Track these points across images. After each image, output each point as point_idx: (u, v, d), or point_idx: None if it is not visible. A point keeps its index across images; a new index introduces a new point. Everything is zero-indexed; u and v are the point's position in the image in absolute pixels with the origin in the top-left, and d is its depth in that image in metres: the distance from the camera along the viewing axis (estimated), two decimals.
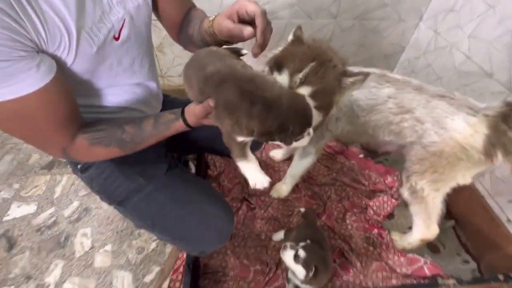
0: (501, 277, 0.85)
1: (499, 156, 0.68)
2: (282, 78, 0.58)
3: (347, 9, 1.31)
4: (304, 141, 0.48)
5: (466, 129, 0.71)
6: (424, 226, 0.89)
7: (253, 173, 0.52)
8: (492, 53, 1.00)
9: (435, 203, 0.83)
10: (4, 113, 0.45)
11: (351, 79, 0.59)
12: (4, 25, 0.38)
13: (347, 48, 1.47)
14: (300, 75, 0.56)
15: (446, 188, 0.81)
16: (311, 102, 0.53)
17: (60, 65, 0.49)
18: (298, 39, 0.62)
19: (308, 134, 0.48)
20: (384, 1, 1.30)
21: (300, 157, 1.01)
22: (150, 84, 0.74)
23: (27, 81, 0.43)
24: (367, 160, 1.33)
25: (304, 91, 0.56)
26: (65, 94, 0.50)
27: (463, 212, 1.12)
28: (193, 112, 0.50)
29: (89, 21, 0.49)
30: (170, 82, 1.56)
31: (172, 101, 0.90)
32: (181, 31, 0.73)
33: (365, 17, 1.36)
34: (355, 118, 0.85)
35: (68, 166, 1.32)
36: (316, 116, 0.56)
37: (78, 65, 0.51)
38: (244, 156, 0.52)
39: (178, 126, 0.54)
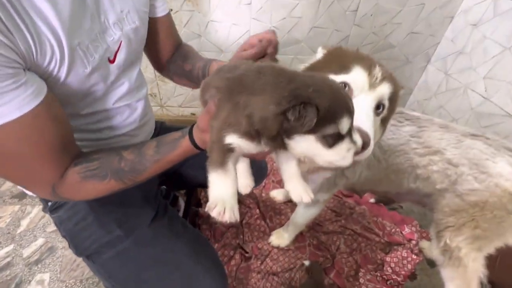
0: None
1: None
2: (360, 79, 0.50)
3: (355, 46, 1.30)
4: (343, 154, 0.32)
5: None
6: None
7: (218, 190, 0.34)
8: None
9: (476, 266, 0.67)
10: None
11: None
12: None
13: None
14: (377, 70, 0.49)
15: (490, 247, 0.65)
16: None
17: (51, 83, 0.42)
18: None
19: (353, 140, 0.32)
20: (391, 43, 1.29)
21: (305, 204, 0.86)
22: (140, 104, 0.65)
23: (13, 104, 0.35)
24: (379, 206, 1.18)
25: (387, 88, 0.49)
26: (57, 119, 0.43)
27: (504, 278, 0.93)
28: (197, 124, 0.42)
29: (85, 39, 0.44)
30: (169, 112, 1.49)
31: (167, 128, 0.81)
32: (169, 63, 0.71)
33: (373, 57, 1.34)
34: (376, 162, 0.73)
35: None
36: None
37: (67, 85, 0.44)
38: (221, 164, 0.34)
39: (184, 145, 0.45)
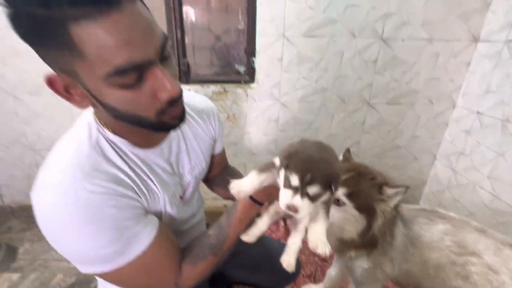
0: None
1: None
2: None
3: (366, 149, 1.52)
4: (284, 196, 0.43)
5: None
6: None
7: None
8: None
9: None
10: (135, 268, 0.49)
11: (393, 190, 0.67)
12: (132, 204, 0.49)
13: None
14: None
15: None
16: (348, 202, 0.66)
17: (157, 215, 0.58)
18: (345, 159, 0.78)
19: (294, 195, 0.42)
20: (398, 144, 1.51)
21: None
22: (200, 211, 0.81)
23: (146, 233, 0.49)
24: None
25: (341, 191, 0.67)
26: (168, 234, 0.56)
27: None
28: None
29: (173, 189, 0.60)
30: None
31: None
32: (217, 177, 0.84)
33: (382, 156, 1.54)
34: (411, 256, 0.79)
35: None
36: (358, 217, 0.68)
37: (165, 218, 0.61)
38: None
39: (244, 202, 0.55)
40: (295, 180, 0.41)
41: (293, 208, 0.42)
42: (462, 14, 1.22)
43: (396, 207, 0.71)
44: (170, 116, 0.47)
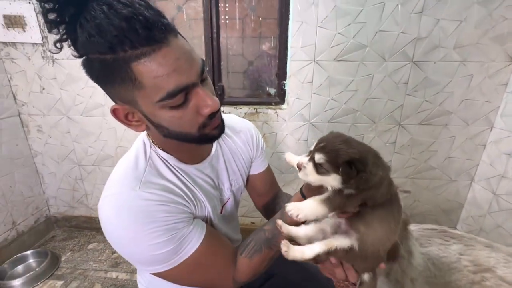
0: None
1: None
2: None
3: (398, 169, 1.50)
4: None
5: None
6: None
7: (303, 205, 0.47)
8: None
9: None
10: (190, 265, 0.54)
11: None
12: (171, 201, 0.54)
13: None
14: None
15: None
16: None
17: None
18: None
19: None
20: (431, 165, 1.48)
21: None
22: (235, 221, 0.84)
23: (197, 234, 0.55)
24: None
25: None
26: (219, 236, 0.62)
27: None
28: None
29: (213, 202, 0.66)
30: None
31: None
32: (267, 206, 0.87)
33: (416, 177, 1.51)
34: (433, 279, 0.80)
35: None
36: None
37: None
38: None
39: (296, 196, 0.60)
40: (312, 147, 0.48)
41: (299, 165, 0.49)
42: (495, 37, 1.22)
43: (405, 224, 0.71)
44: (211, 128, 0.53)
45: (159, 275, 0.55)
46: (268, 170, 0.86)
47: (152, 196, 0.52)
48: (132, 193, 0.51)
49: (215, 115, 0.52)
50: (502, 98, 1.31)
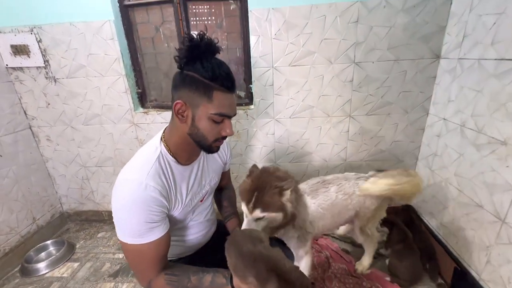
0: None
1: None
2: (244, 209, 0.92)
3: (353, 154, 1.75)
4: None
5: None
6: None
7: None
8: (476, 189, 1.22)
9: None
10: (136, 250, 0.71)
11: (286, 187, 0.90)
12: (160, 203, 0.72)
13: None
14: (251, 204, 0.89)
15: None
16: (266, 214, 0.89)
17: (169, 216, 0.80)
18: (250, 173, 0.98)
19: None
20: (381, 149, 1.73)
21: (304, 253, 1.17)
22: (213, 215, 1.09)
23: (157, 232, 0.72)
24: (393, 286, 1.36)
25: (257, 211, 0.89)
26: (167, 242, 0.76)
27: None
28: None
29: (194, 195, 0.87)
30: None
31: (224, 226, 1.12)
32: (220, 190, 1.16)
33: (369, 159, 1.76)
34: (323, 215, 1.15)
35: (129, 276, 1.61)
36: (276, 215, 0.91)
37: (180, 215, 0.85)
38: None
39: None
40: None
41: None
42: (421, 37, 1.44)
43: (295, 190, 0.97)
44: (217, 144, 0.81)
45: (122, 243, 0.72)
46: (229, 170, 1.17)
47: (152, 188, 0.71)
48: (141, 179, 0.71)
49: (225, 138, 0.81)
50: (432, 88, 1.54)
